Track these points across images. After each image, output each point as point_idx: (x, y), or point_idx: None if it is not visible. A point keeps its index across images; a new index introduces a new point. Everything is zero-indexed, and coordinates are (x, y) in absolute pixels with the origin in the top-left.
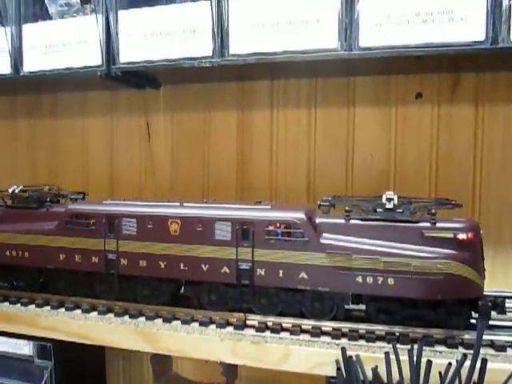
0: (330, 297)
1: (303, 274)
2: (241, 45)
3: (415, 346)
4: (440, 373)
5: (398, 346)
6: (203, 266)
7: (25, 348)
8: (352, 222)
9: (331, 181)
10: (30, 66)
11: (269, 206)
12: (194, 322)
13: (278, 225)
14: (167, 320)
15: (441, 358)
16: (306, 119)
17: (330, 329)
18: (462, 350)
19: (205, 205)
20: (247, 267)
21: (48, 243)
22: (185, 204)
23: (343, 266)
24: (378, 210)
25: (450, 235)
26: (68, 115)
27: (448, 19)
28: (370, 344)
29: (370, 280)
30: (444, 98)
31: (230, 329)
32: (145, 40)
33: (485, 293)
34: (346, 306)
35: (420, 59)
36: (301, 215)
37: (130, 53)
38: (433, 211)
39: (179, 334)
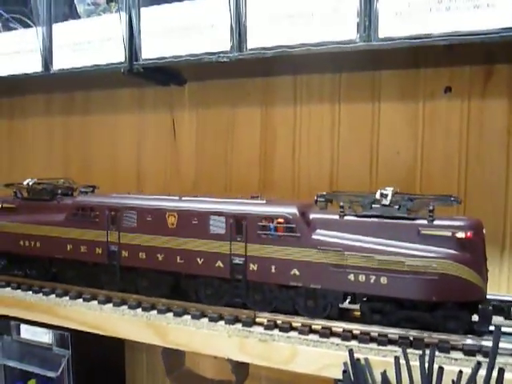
0: (323, 295)
1: (295, 271)
2: (259, 39)
3: (427, 352)
4: (453, 381)
5: (411, 350)
6: (198, 259)
7: (45, 336)
8: (346, 218)
9: (355, 179)
10: (59, 64)
11: (264, 201)
12: (204, 317)
13: (270, 220)
14: (178, 314)
15: (456, 366)
16: (329, 115)
17: (341, 330)
18: (479, 357)
19: (202, 198)
20: (240, 262)
21: (57, 234)
22: (183, 198)
23: (335, 263)
24: (374, 206)
25: (448, 233)
26: (99, 112)
27: (473, 6)
28: (381, 347)
29: (362, 278)
30: (475, 92)
31: (238, 325)
32: (165, 36)
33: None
34: (342, 305)
35: (450, 50)
36: (293, 210)
37: (151, 49)
38: (431, 208)
39: (188, 329)
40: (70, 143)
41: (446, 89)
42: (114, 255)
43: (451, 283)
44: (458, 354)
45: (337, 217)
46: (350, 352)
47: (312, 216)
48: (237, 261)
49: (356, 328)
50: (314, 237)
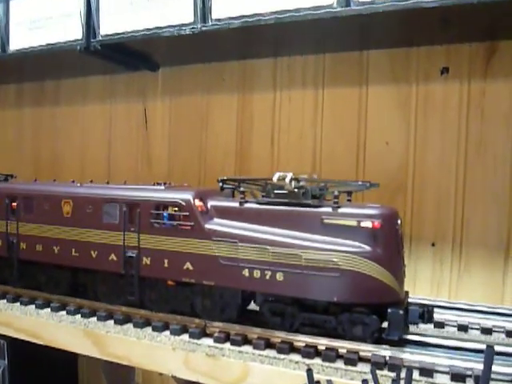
0: (219, 293)
1: (188, 265)
2: (224, 8)
3: (403, 375)
4: None
5: (384, 372)
6: (93, 252)
7: None
8: (247, 205)
9: (339, 172)
10: (16, 43)
11: (162, 187)
12: (149, 325)
13: (163, 207)
14: (119, 322)
15: None
16: (312, 101)
17: (303, 344)
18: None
19: (101, 185)
20: (133, 255)
21: None
22: (84, 185)
23: (228, 257)
24: (276, 192)
25: (353, 223)
26: (69, 102)
27: None
28: (349, 367)
29: (257, 274)
30: (476, 73)
31: (185, 336)
32: (124, 10)
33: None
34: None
35: (446, 24)
36: (187, 196)
37: (109, 25)
38: (336, 193)
39: (128, 339)
40: (40, 134)
41: (442, 69)
42: (13, 248)
43: (355, 281)
44: (444, 378)
45: (237, 204)
46: (309, 372)
47: (210, 204)
48: (130, 254)
49: (321, 343)
50: (207, 226)
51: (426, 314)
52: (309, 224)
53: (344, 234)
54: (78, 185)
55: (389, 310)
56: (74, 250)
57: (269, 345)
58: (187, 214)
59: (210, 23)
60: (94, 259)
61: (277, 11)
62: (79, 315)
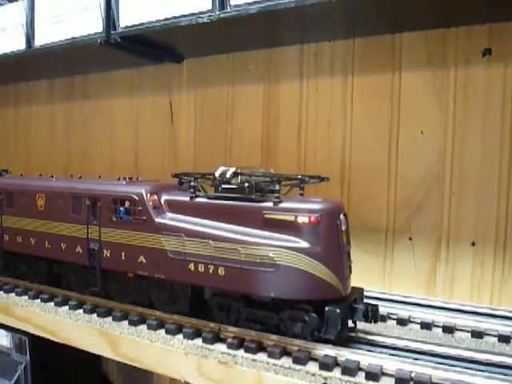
0: (171, 286)
1: (142, 258)
2: None
3: None
4: None
5: None
6: (62, 244)
7: (4, 339)
8: (196, 200)
9: (370, 165)
10: (40, 39)
11: (123, 182)
12: (162, 328)
13: (121, 201)
14: (133, 323)
15: None
16: (340, 89)
17: (322, 354)
18: None
19: (72, 179)
20: (95, 248)
21: None
22: (58, 179)
23: (175, 250)
24: (223, 187)
25: (291, 218)
26: (97, 96)
27: None
28: (370, 383)
29: (201, 268)
30: None
31: (198, 341)
32: (143, 1)
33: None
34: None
35: (490, 1)
36: (140, 190)
37: (129, 17)
38: (276, 187)
39: (141, 341)
40: (71, 130)
41: (484, 51)
42: None
43: (291, 277)
44: None
45: (187, 199)
46: None
47: (164, 198)
48: (92, 246)
49: (341, 353)
50: (158, 220)
51: (369, 312)
52: (251, 219)
53: (284, 230)
54: (54, 179)
55: (326, 308)
56: (47, 242)
57: (285, 352)
58: (140, 208)
59: (229, 10)
60: (63, 251)
61: None
62: (95, 314)
